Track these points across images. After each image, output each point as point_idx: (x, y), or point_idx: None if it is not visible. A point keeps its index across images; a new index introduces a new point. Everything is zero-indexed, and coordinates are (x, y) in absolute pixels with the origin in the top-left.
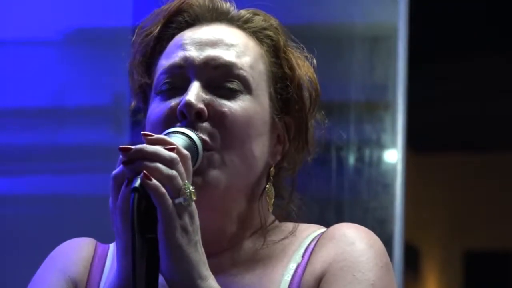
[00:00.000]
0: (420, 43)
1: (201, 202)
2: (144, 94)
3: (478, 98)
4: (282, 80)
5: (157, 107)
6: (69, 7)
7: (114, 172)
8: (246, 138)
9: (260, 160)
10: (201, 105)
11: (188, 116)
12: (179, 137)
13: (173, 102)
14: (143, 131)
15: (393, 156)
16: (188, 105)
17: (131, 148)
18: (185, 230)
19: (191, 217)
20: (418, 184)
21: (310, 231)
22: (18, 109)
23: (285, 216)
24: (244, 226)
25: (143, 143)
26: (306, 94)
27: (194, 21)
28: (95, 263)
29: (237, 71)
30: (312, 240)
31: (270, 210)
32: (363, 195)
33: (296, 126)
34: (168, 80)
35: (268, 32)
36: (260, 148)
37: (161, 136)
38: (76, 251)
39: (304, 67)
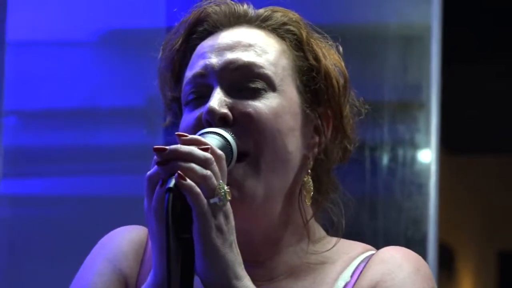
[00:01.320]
0: (454, 43)
1: (243, 214)
2: (178, 108)
3: None
4: (308, 72)
5: (186, 119)
6: (102, 9)
7: (148, 172)
8: (277, 134)
9: (296, 154)
10: (224, 110)
11: (213, 123)
12: (213, 137)
13: (198, 112)
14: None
15: (427, 156)
16: (211, 111)
17: (165, 149)
18: (220, 230)
19: (226, 217)
20: (452, 184)
21: (360, 251)
22: (52, 110)
23: (321, 211)
24: (287, 225)
25: (177, 143)
26: (335, 83)
27: (214, 28)
28: (147, 256)
29: (258, 70)
30: (362, 261)
31: (308, 204)
32: (397, 195)
33: (330, 115)
34: (193, 90)
35: (289, 27)
36: (294, 142)
37: (195, 136)
38: (128, 242)
39: (330, 55)
